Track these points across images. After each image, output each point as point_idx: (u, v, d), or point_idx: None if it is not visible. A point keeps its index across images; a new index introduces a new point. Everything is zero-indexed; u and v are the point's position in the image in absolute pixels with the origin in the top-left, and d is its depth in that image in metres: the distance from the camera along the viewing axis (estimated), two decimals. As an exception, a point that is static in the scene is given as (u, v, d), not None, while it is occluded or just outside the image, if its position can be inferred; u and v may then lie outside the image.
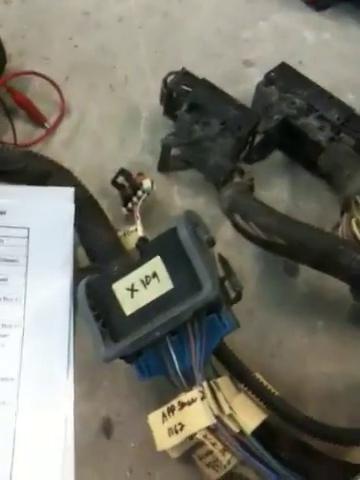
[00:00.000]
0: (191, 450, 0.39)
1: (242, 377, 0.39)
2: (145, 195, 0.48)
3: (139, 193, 0.48)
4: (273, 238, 0.43)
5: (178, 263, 0.36)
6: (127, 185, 0.48)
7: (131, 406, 0.43)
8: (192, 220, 0.37)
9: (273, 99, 0.54)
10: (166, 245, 0.37)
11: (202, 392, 0.36)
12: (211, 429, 0.36)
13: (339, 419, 0.44)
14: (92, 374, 0.44)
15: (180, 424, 0.35)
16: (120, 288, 0.37)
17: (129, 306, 0.37)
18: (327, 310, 0.48)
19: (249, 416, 0.38)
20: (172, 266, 0.36)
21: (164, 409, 0.37)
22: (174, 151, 0.53)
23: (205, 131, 0.51)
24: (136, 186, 0.48)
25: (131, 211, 0.48)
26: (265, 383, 0.39)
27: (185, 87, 0.53)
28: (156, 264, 0.36)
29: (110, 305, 0.37)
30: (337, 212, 0.49)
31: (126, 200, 0.48)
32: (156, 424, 0.37)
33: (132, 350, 0.36)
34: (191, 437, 0.36)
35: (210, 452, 0.38)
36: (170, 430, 0.35)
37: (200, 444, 0.38)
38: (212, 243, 0.37)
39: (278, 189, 0.55)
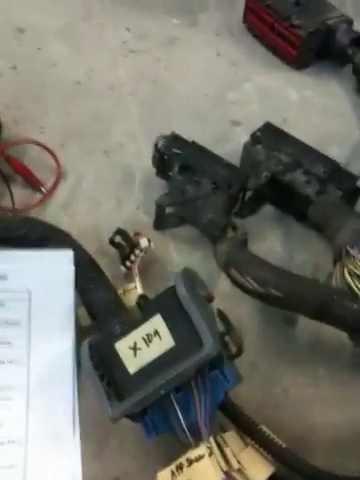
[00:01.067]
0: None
1: (248, 430, 0.40)
2: (143, 253, 0.50)
3: (137, 252, 0.50)
4: (269, 291, 0.45)
5: (178, 320, 0.38)
6: (125, 244, 0.51)
7: (140, 465, 0.44)
8: (190, 277, 0.39)
9: (260, 157, 0.57)
10: (166, 303, 0.38)
11: (209, 448, 0.36)
12: None
13: (348, 467, 0.45)
14: (99, 433, 0.44)
15: None
16: (123, 347, 0.38)
17: (132, 365, 0.38)
18: (328, 357, 0.50)
19: (257, 470, 0.38)
20: (173, 324, 0.38)
21: (173, 467, 0.37)
22: (169, 209, 0.56)
23: (197, 190, 0.54)
24: (133, 245, 0.50)
25: (130, 269, 0.50)
26: (271, 435, 0.40)
27: (175, 150, 0.56)
28: (157, 322, 0.38)
29: (114, 364, 0.38)
30: (330, 261, 0.51)
31: (124, 259, 0.51)
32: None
33: (138, 409, 0.37)
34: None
35: None
36: None
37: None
38: (210, 299, 0.39)
39: (271, 241, 0.57)
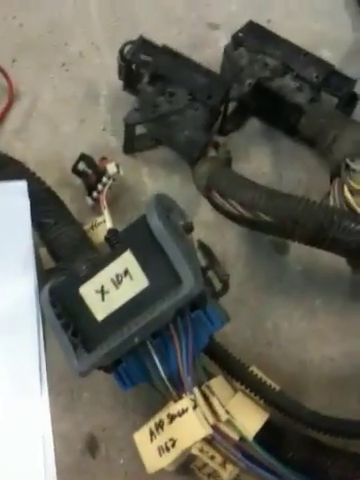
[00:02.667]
0: (189, 460, 0.36)
1: (237, 374, 0.36)
2: (111, 181, 0.44)
3: (104, 179, 0.44)
4: (258, 216, 0.39)
5: (152, 256, 0.32)
6: (90, 172, 0.44)
7: (117, 418, 0.39)
8: (164, 205, 0.33)
9: (243, 62, 0.50)
10: (136, 237, 0.33)
11: (193, 400, 0.32)
12: (208, 440, 0.32)
13: (349, 405, 0.41)
14: (70, 386, 0.40)
15: (171, 440, 0.32)
16: (88, 291, 0.33)
17: (101, 311, 0.33)
18: (324, 287, 0.45)
19: (249, 419, 0.34)
20: (146, 260, 0.32)
21: (151, 425, 0.33)
22: (140, 129, 0.49)
23: (171, 104, 0.47)
24: (100, 172, 0.44)
25: (97, 200, 0.44)
26: (263, 378, 0.36)
27: (144, 57, 0.48)
28: (127, 260, 0.32)
29: (79, 311, 0.33)
30: (325, 179, 0.46)
31: (90, 189, 0.44)
32: (143, 444, 0.33)
33: (108, 361, 0.32)
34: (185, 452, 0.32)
35: (207, 463, 0.34)
36: (160, 448, 0.32)
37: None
38: (190, 229, 0.34)
39: (258, 160, 0.51)
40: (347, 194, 0.40)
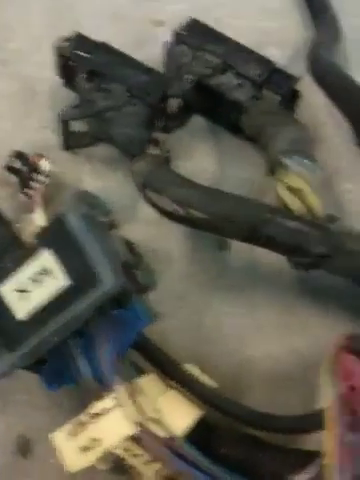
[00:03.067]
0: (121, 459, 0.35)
1: (168, 371, 0.35)
2: (45, 178, 0.43)
3: (37, 177, 0.43)
4: (193, 213, 0.38)
5: (72, 254, 0.31)
6: (24, 169, 0.43)
7: (50, 418, 0.38)
8: (87, 201, 0.32)
9: (184, 59, 0.49)
10: (56, 235, 0.32)
11: (116, 398, 0.31)
12: (135, 439, 0.31)
13: (291, 402, 0.40)
14: (2, 388, 0.39)
15: (95, 439, 0.31)
16: (8, 291, 0.32)
17: (21, 310, 0.32)
18: (266, 283, 0.45)
19: (180, 416, 0.34)
20: (66, 259, 0.31)
21: (70, 426, 0.32)
22: (80, 126, 0.48)
23: (109, 100, 0.46)
24: (33, 169, 0.43)
25: (30, 197, 0.43)
26: (196, 375, 0.36)
27: (81, 53, 0.47)
28: (46, 259, 0.32)
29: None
30: (269, 177, 0.46)
31: (24, 186, 0.43)
32: (63, 444, 0.32)
33: (28, 361, 0.32)
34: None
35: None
36: (83, 448, 0.31)
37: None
38: (113, 226, 0.33)
39: (201, 158, 0.50)
40: (282, 192, 0.40)
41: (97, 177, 0.48)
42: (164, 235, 0.46)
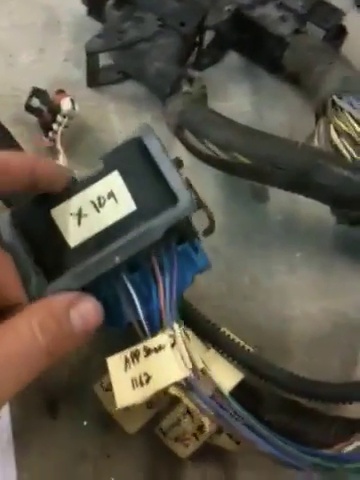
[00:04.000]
0: (152, 424, 0.33)
1: (206, 334, 0.32)
2: (66, 120, 0.39)
3: (58, 118, 0.38)
4: (235, 157, 0.35)
5: (143, 180, 0.28)
6: (45, 109, 0.39)
7: (79, 377, 0.36)
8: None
9: (223, -14, 0.44)
10: (126, 159, 0.29)
11: (173, 337, 0.28)
12: (182, 387, 0.28)
13: (331, 365, 0.38)
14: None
15: (146, 375, 0.28)
16: (62, 214, 0.28)
17: (75, 236, 0.28)
18: (306, 238, 0.41)
19: (224, 375, 0.31)
20: (135, 184, 0.28)
21: (127, 353, 0.29)
22: (106, 60, 0.44)
23: (140, 31, 0.41)
24: (54, 109, 0.39)
25: (53, 141, 0.39)
26: (236, 339, 0.33)
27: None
28: (112, 181, 0.28)
29: (47, 237, 0.28)
30: (309, 120, 0.41)
31: (46, 128, 0.39)
32: (117, 371, 0.28)
33: (79, 283, 0.27)
34: (164, 392, 0.28)
35: (178, 422, 0.31)
36: (134, 381, 0.28)
37: (164, 414, 0.32)
38: (180, 164, 0.30)
39: (237, 98, 0.46)
40: (333, 135, 0.36)
41: (123, 117, 0.44)
42: (198, 184, 0.42)
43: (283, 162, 0.34)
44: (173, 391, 0.28)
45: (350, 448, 0.31)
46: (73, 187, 0.29)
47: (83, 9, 0.46)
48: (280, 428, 0.33)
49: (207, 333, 0.33)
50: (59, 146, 0.38)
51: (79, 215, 0.29)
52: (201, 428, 0.31)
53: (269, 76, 0.47)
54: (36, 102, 0.40)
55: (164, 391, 0.28)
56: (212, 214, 0.32)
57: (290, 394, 0.33)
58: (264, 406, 0.33)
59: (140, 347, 0.28)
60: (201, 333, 0.32)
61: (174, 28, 0.42)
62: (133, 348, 0.29)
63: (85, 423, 0.35)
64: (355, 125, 0.35)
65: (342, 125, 0.36)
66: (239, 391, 0.32)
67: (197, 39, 0.44)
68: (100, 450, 0.35)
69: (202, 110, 0.38)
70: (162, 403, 0.32)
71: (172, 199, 0.28)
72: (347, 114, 0.36)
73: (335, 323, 0.39)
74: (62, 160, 0.38)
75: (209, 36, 0.46)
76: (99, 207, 0.29)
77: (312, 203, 0.37)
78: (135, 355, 0.29)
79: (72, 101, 0.39)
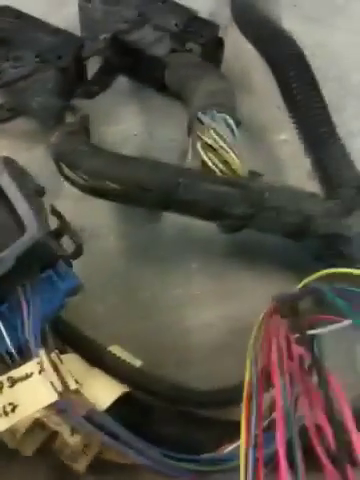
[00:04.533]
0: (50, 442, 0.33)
1: (88, 354, 0.33)
2: None
3: None
4: (105, 184, 0.36)
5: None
6: None
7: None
8: (12, 166, 0.30)
9: (97, 16, 0.45)
10: None
11: (40, 364, 0.29)
12: (57, 410, 0.29)
13: (232, 371, 0.38)
14: None
15: (11, 404, 0.29)
16: None
17: None
18: (200, 249, 0.42)
19: (102, 391, 0.32)
20: None
21: None
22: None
23: (18, 69, 0.42)
24: None
25: None
26: (122, 357, 0.33)
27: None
28: None
29: None
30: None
31: None
32: None
33: None
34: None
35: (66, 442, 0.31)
36: None
37: (54, 434, 0.32)
38: (41, 192, 0.31)
39: (128, 121, 0.47)
40: (200, 150, 0.37)
41: (16, 153, 0.44)
42: (91, 211, 0.43)
43: (148, 184, 0.35)
44: (38, 415, 0.29)
45: (230, 448, 0.31)
46: None
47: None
48: (173, 439, 0.34)
49: (89, 353, 0.33)
50: None
51: None
52: (88, 445, 0.32)
53: (158, 95, 0.48)
54: None
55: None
56: (79, 238, 0.33)
57: (174, 405, 0.34)
58: (154, 419, 0.34)
59: (3, 378, 0.29)
60: (84, 354, 0.33)
61: (52, 62, 0.43)
62: None
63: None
64: (218, 139, 0.36)
65: (207, 140, 0.37)
66: (127, 406, 0.33)
67: (79, 69, 0.45)
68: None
69: (75, 143, 0.39)
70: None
71: (22, 229, 0.29)
72: (211, 129, 0.37)
73: (232, 329, 0.40)
74: None
75: (95, 64, 0.48)
76: None
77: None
78: (1, 386, 0.29)
79: None
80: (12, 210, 0.30)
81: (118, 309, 0.40)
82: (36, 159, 0.45)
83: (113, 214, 0.43)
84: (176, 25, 0.45)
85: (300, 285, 0.34)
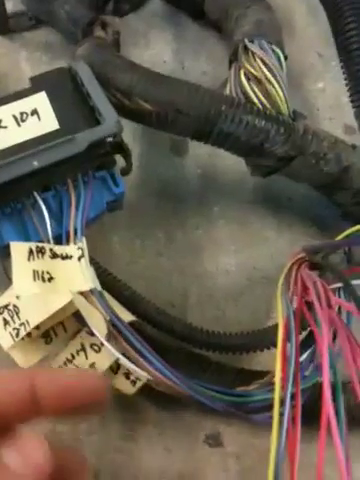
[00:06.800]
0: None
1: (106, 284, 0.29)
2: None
3: None
4: (137, 103, 0.31)
5: (70, 103, 0.29)
6: None
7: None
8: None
9: None
10: (55, 83, 0.30)
11: (81, 250, 0.27)
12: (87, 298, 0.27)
13: (244, 318, 0.36)
14: None
15: (49, 274, 0.26)
16: None
17: None
18: (224, 192, 0.38)
19: (121, 311, 0.29)
20: (61, 105, 0.29)
21: (32, 246, 0.27)
22: (17, 6, 0.39)
23: (48, -29, 0.37)
24: None
25: None
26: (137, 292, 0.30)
27: None
28: (38, 100, 0.29)
29: None
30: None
31: None
32: (20, 256, 0.26)
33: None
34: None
35: (71, 360, 0.28)
36: (36, 273, 0.26)
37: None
38: None
39: (159, 46, 0.42)
40: (243, 80, 0.32)
41: (36, 65, 0.40)
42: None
43: (185, 107, 0.30)
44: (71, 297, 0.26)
45: (251, 387, 0.29)
46: None
47: None
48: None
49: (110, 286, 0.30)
50: None
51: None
52: (93, 365, 0.28)
53: (192, 24, 0.43)
54: None
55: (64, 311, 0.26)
56: (130, 152, 0.31)
57: (191, 346, 0.31)
58: (169, 360, 0.31)
59: (46, 246, 0.27)
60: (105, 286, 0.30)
61: (85, -31, 0.37)
62: (39, 244, 0.27)
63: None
64: (265, 70, 0.32)
65: (252, 70, 0.32)
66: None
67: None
68: None
69: (107, 55, 0.34)
70: (59, 340, 0.29)
71: (99, 120, 0.29)
72: (258, 58, 0.32)
73: (249, 277, 0.36)
74: None
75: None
76: (21, 122, 0.29)
77: (232, 156, 0.35)
78: (40, 251, 0.27)
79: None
80: (88, 101, 0.29)
81: (132, 242, 0.37)
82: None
83: (138, 143, 0.39)
84: None
85: (340, 237, 0.30)
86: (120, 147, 0.30)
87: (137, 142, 0.39)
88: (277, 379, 0.24)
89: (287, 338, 0.26)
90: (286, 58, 0.34)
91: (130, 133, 0.39)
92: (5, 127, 0.28)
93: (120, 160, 0.32)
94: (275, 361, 0.25)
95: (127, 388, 0.29)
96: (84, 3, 0.38)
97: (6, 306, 0.26)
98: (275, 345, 0.26)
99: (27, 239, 0.27)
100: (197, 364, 0.30)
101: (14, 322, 0.25)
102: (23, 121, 0.28)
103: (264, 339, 0.29)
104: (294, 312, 0.27)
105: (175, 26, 0.43)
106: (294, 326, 0.26)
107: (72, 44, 0.39)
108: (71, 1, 0.37)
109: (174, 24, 0.43)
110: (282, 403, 0.23)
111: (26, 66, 0.40)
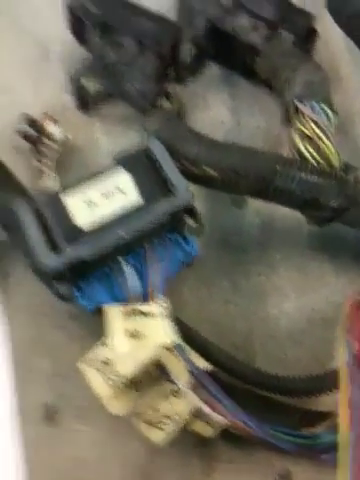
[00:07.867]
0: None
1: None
2: (55, 144, 0.39)
3: (49, 142, 0.39)
4: (205, 171, 0.34)
5: (148, 178, 0.33)
6: (36, 134, 0.40)
7: (76, 386, 0.34)
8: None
9: (195, 3, 0.43)
10: (134, 161, 0.33)
11: (164, 308, 0.30)
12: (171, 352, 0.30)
13: (301, 358, 0.37)
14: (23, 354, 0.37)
15: (137, 331, 0.29)
16: (73, 201, 0.32)
17: (83, 217, 0.31)
18: (283, 240, 0.41)
19: (197, 359, 0.31)
20: (140, 181, 0.32)
21: (122, 307, 0.30)
22: (86, 82, 0.43)
23: (120, 54, 0.41)
24: (44, 133, 0.39)
25: (44, 164, 0.39)
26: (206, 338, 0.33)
27: (90, 6, 0.42)
28: (121, 178, 0.32)
29: (60, 219, 0.31)
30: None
31: (37, 152, 0.40)
32: (115, 316, 0.30)
33: (91, 255, 0.30)
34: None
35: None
36: (127, 331, 0.30)
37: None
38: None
39: (216, 108, 0.45)
40: (296, 139, 0.35)
41: (110, 136, 0.44)
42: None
43: (243, 170, 0.33)
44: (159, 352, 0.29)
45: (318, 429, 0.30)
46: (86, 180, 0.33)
47: (73, 38, 0.46)
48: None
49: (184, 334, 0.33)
50: (46, 168, 0.39)
51: (89, 202, 0.32)
52: (174, 410, 0.31)
53: (246, 82, 0.45)
54: (27, 128, 0.40)
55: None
56: (200, 216, 0.34)
57: (259, 389, 0.32)
58: (238, 402, 0.33)
59: (134, 306, 0.30)
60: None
61: (151, 48, 0.41)
62: (128, 305, 0.31)
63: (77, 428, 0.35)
64: (316, 129, 0.34)
65: (304, 129, 0.35)
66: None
67: (175, 55, 0.43)
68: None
69: (173, 127, 0.37)
70: (145, 386, 0.32)
71: (173, 192, 0.32)
72: (308, 119, 0.35)
73: (310, 319, 0.38)
74: (49, 179, 0.39)
75: (190, 50, 0.46)
76: (108, 198, 0.32)
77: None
78: (132, 312, 0.30)
79: (57, 126, 0.40)
80: (162, 175, 0.32)
81: (199, 291, 0.39)
82: (129, 142, 0.43)
83: (200, 198, 0.41)
84: (273, 14, 0.42)
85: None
86: (191, 211, 0.33)
87: (200, 198, 0.41)
88: (341, 422, 0.25)
89: (350, 381, 0.27)
90: (335, 113, 0.36)
91: (195, 190, 0.42)
92: (95, 203, 0.32)
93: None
94: (338, 403, 0.26)
95: (206, 431, 0.32)
96: (151, 77, 0.42)
97: (102, 361, 0.29)
98: (338, 388, 0.27)
99: (114, 298, 0.31)
100: (263, 406, 0.32)
101: (110, 374, 0.28)
102: (110, 196, 0.32)
103: (327, 382, 0.30)
104: (355, 355, 0.28)
105: (230, 86, 0.46)
106: (355, 370, 0.27)
107: (142, 115, 0.43)
108: (139, 76, 0.42)
109: (229, 84, 0.46)
110: (346, 446, 0.24)
111: (103, 138, 0.44)
